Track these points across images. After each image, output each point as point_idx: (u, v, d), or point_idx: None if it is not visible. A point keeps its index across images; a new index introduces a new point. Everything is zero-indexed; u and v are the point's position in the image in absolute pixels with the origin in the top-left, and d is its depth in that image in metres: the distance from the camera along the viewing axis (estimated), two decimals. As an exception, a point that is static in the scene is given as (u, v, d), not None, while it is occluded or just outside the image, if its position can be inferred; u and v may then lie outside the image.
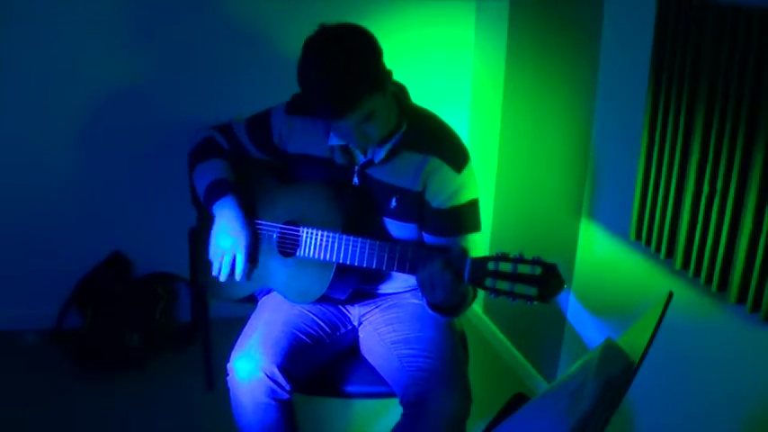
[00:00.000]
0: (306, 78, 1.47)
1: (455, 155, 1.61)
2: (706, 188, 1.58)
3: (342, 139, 1.61)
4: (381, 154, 1.61)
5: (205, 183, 1.73)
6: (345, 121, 1.46)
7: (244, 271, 1.68)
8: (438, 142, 1.61)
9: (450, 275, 1.40)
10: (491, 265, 1.36)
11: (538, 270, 1.32)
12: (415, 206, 1.62)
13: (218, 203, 1.69)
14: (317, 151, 1.68)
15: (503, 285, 1.34)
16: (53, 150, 2.62)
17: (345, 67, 1.42)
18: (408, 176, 1.61)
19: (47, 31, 2.47)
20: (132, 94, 2.61)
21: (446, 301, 1.47)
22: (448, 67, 2.92)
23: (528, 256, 1.34)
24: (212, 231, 1.69)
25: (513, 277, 1.33)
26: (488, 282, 1.36)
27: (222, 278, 1.68)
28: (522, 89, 2.57)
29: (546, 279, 1.31)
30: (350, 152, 1.67)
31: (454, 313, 1.60)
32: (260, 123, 1.77)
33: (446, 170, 1.58)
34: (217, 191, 1.70)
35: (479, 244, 1.64)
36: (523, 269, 1.33)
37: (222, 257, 1.68)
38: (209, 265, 1.81)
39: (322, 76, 1.42)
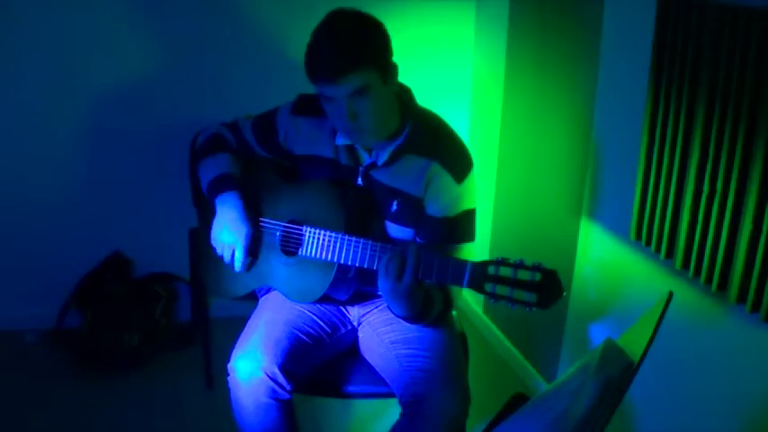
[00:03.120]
0: (311, 43, 1.48)
1: (457, 163, 1.60)
2: (706, 188, 1.58)
3: (333, 121, 1.57)
4: (384, 156, 1.60)
5: (210, 176, 1.73)
6: (339, 87, 1.45)
7: (243, 264, 1.68)
8: (442, 147, 1.61)
9: (393, 269, 1.42)
10: (491, 270, 1.35)
11: (538, 276, 1.31)
12: (415, 211, 1.62)
13: (220, 197, 1.69)
14: (322, 152, 1.68)
15: (502, 290, 1.34)
16: (53, 150, 2.62)
17: (352, 33, 1.46)
18: (411, 180, 1.60)
19: (47, 31, 2.47)
20: (133, 95, 2.61)
21: (397, 299, 1.47)
22: (448, 65, 2.92)
23: (528, 262, 1.34)
24: (213, 225, 1.69)
25: (513, 283, 1.33)
26: (488, 286, 1.35)
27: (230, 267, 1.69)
28: (522, 88, 2.57)
29: (546, 285, 1.31)
30: (355, 153, 1.67)
31: (417, 318, 1.57)
32: (266, 124, 1.77)
33: (446, 179, 1.58)
34: (221, 185, 1.70)
35: (472, 254, 1.63)
36: (523, 275, 1.32)
37: (222, 251, 1.68)
38: (210, 262, 1.81)
39: (328, 38, 1.46)
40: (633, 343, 1.13)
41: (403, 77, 1.65)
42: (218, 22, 2.60)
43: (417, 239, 1.65)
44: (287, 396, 1.61)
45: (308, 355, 1.68)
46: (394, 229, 1.65)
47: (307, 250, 1.62)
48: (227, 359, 1.63)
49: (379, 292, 1.50)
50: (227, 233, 1.66)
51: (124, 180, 2.71)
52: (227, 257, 1.68)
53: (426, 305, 1.55)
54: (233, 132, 1.82)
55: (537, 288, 1.31)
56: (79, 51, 2.52)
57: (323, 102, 1.53)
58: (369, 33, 1.48)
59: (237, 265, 1.68)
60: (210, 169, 1.74)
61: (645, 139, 1.77)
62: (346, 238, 1.55)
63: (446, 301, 1.64)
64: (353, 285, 1.68)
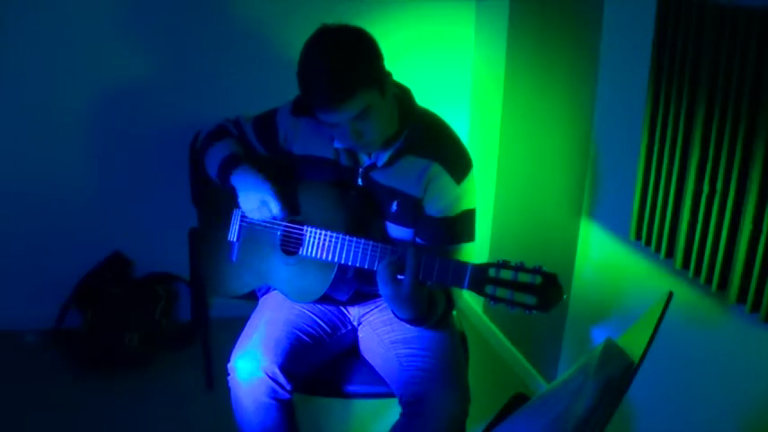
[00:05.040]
0: (304, 73, 1.46)
1: (457, 164, 1.60)
2: (706, 188, 1.58)
3: (339, 140, 1.60)
4: (384, 158, 1.60)
5: (218, 160, 1.73)
6: (340, 114, 1.45)
7: (281, 210, 1.65)
8: (441, 148, 1.61)
9: (392, 273, 1.42)
10: (492, 272, 1.35)
11: (538, 279, 1.31)
12: (415, 211, 1.62)
13: (234, 175, 1.69)
14: (322, 153, 1.68)
15: (503, 293, 1.34)
16: (53, 150, 2.62)
17: (342, 58, 1.42)
18: (410, 181, 1.60)
19: (47, 30, 2.47)
20: (133, 95, 2.61)
21: (399, 302, 1.46)
22: (448, 65, 2.92)
23: (529, 265, 1.34)
24: (239, 201, 1.68)
25: (514, 285, 1.33)
26: (488, 289, 1.35)
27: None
28: (522, 88, 2.57)
29: (546, 289, 1.30)
30: (355, 154, 1.67)
31: (421, 320, 1.57)
32: (266, 124, 1.77)
33: (446, 179, 1.58)
34: (230, 165, 1.70)
35: (472, 254, 1.63)
36: (524, 278, 1.32)
37: (260, 213, 1.66)
38: (210, 261, 1.81)
39: (319, 67, 1.43)
40: (633, 343, 1.13)
41: (403, 78, 1.65)
42: (215, 22, 2.60)
43: (417, 240, 1.65)
44: (287, 396, 1.61)
45: (308, 355, 1.68)
46: (394, 230, 1.65)
47: (307, 250, 1.62)
48: (227, 359, 1.63)
49: (380, 293, 1.50)
50: (254, 194, 1.65)
51: (124, 180, 2.71)
52: (265, 215, 1.66)
53: (430, 307, 1.55)
54: (235, 127, 1.84)
55: (537, 291, 1.31)
56: (79, 52, 2.52)
57: (326, 125, 1.53)
58: (359, 53, 1.45)
59: (275, 211, 1.64)
60: (217, 154, 1.75)
61: (645, 139, 1.77)
62: (347, 238, 1.55)
63: (449, 302, 1.64)
64: (353, 285, 1.69)
